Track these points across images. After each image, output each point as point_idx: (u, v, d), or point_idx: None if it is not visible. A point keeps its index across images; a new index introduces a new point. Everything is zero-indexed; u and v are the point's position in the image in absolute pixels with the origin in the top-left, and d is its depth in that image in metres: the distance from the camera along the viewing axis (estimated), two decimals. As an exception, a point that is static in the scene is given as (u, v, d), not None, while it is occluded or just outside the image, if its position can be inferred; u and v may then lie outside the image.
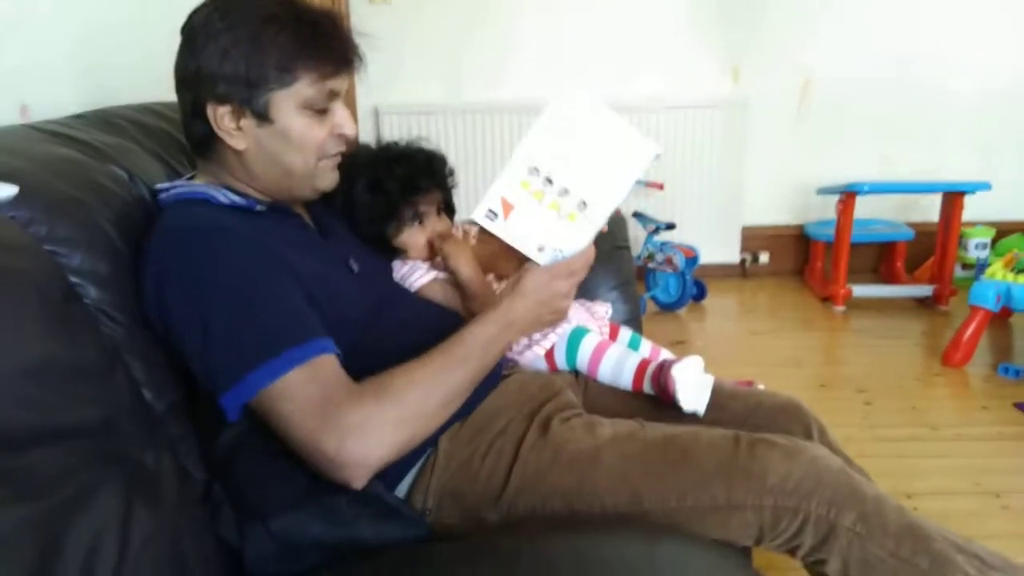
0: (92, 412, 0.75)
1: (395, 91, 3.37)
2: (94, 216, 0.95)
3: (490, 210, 1.02)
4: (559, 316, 1.13)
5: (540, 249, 1.06)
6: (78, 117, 1.22)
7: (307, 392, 0.89)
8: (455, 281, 1.28)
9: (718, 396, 1.21)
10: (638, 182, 1.02)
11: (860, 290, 3.19)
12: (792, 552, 1.02)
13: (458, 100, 3.45)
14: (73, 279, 0.89)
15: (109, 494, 0.71)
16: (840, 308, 3.18)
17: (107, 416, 0.76)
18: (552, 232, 1.04)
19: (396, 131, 3.36)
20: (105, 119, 1.23)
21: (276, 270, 0.97)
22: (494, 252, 1.26)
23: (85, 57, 1.43)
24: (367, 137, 3.36)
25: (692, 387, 1.15)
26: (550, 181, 0.99)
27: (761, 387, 1.34)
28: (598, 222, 1.05)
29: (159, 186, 1.09)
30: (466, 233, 1.36)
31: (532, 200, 1.01)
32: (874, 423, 2.23)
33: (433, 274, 1.31)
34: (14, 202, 0.86)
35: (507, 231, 1.05)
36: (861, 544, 0.98)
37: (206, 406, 1.00)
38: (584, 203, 1.02)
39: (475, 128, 3.41)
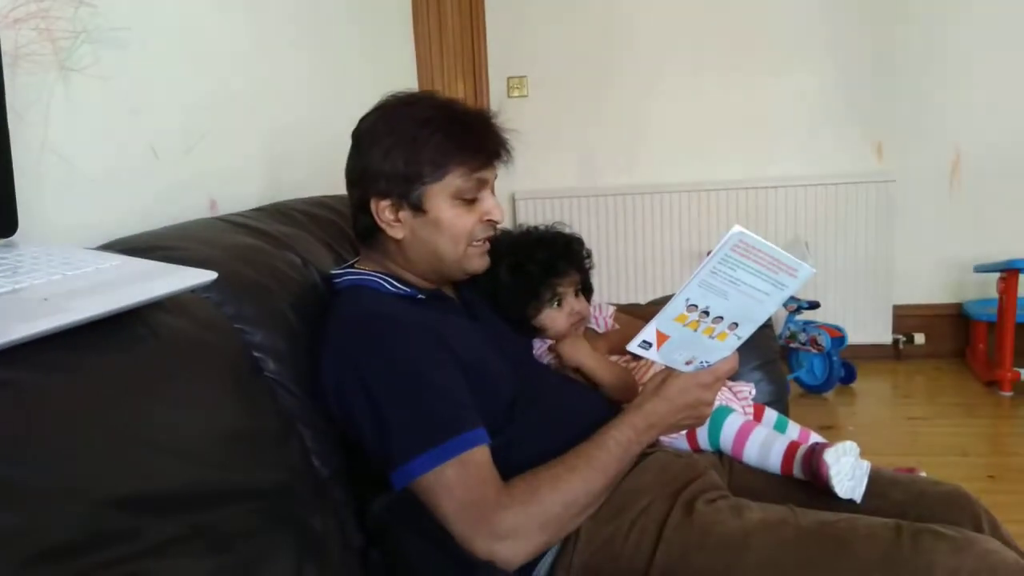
0: (271, 476, 0.82)
1: (531, 178, 3.50)
2: (274, 298, 1.07)
3: (644, 341, 1.07)
4: (699, 422, 1.16)
5: (688, 363, 1.10)
6: (258, 210, 1.37)
7: (460, 490, 0.98)
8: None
9: (876, 483, 1.15)
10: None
11: (1030, 374, 2.94)
12: (959, 652, 0.94)
13: (591, 184, 3.54)
14: (256, 354, 0.99)
15: (284, 553, 0.77)
16: (1007, 393, 2.93)
17: (284, 480, 0.84)
18: (701, 349, 1.08)
19: (532, 215, 3.48)
20: (281, 211, 1.37)
21: (442, 357, 1.06)
22: (632, 334, 1.28)
23: (265, 158, 1.61)
24: (504, 222, 3.49)
25: (848, 473, 1.10)
26: (707, 313, 1.03)
27: (923, 475, 1.25)
28: (747, 336, 1.07)
29: (334, 271, 1.20)
30: (582, 322, 1.38)
31: (687, 329, 1.05)
32: (1054, 519, 2.01)
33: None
34: (209, 285, 0.98)
35: (659, 356, 1.09)
36: (1037, 647, 0.89)
37: (362, 474, 1.08)
38: (736, 324, 1.04)
39: (608, 211, 3.47)
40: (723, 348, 1.08)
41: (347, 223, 1.42)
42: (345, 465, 1.06)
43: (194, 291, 0.95)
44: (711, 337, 1.06)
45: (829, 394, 3.10)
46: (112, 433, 0.68)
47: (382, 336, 1.05)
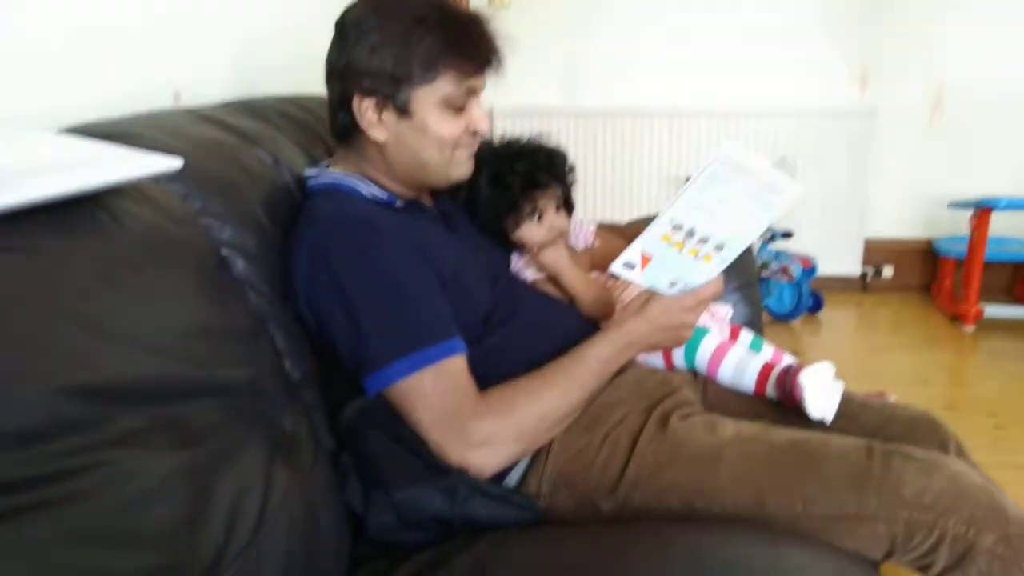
0: (241, 373, 0.79)
1: (510, 93, 3.40)
2: (244, 195, 1.01)
3: (627, 262, 1.04)
4: (678, 344, 1.15)
5: (672, 285, 1.07)
6: (227, 105, 1.29)
7: (437, 397, 0.97)
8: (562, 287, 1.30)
9: (848, 405, 1.16)
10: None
11: (992, 310, 2.99)
12: (923, 570, 0.96)
13: (572, 104, 3.45)
14: (224, 251, 0.94)
15: (254, 450, 0.75)
16: (970, 328, 2.99)
17: (253, 379, 0.81)
18: (685, 271, 1.05)
19: (511, 132, 3.40)
20: (251, 108, 1.30)
21: (419, 266, 1.03)
22: (614, 251, 1.26)
23: (234, 50, 1.52)
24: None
25: (821, 393, 1.11)
26: (692, 233, 1.00)
27: (893, 399, 1.27)
28: (732, 258, 1.05)
29: (307, 172, 1.15)
30: (562, 236, 1.35)
31: (672, 250, 1.02)
32: (1006, 449, 2.08)
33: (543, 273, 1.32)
34: (174, 176, 0.92)
35: (642, 278, 1.06)
36: (1003, 567, 0.91)
37: (334, 378, 1.05)
38: (722, 245, 1.01)
39: (589, 132, 3.41)
40: (707, 271, 1.06)
41: (322, 126, 1.36)
42: (317, 369, 1.03)
43: (158, 181, 0.90)
44: (696, 259, 1.03)
45: (796, 322, 3.14)
46: (71, 319, 0.64)
47: (358, 239, 1.01)
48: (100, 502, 0.58)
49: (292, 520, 0.76)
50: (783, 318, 3.14)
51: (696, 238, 1.01)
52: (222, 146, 1.08)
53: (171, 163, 0.80)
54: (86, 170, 0.71)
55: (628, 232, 1.37)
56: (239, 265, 0.96)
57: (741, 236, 1.02)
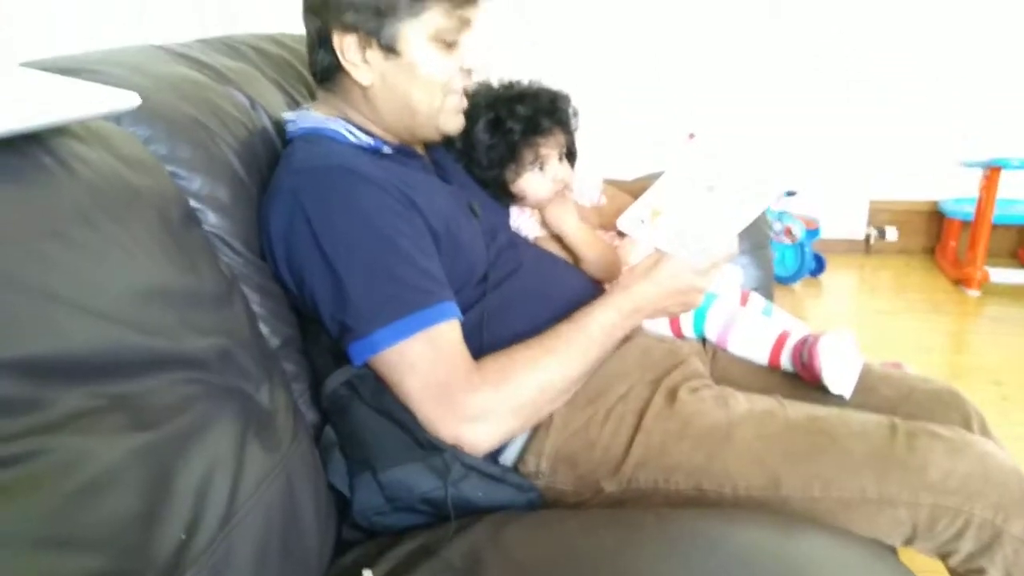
0: (209, 342, 0.70)
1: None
2: (215, 140, 0.92)
3: (637, 218, 0.98)
4: (688, 310, 1.07)
5: (683, 245, 0.99)
6: (202, 41, 1.18)
7: (427, 367, 0.89)
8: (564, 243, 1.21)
9: (866, 378, 1.09)
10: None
11: (998, 274, 2.91)
12: (945, 557, 0.90)
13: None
14: (193, 203, 0.85)
15: (224, 429, 0.66)
16: (974, 292, 2.92)
17: (224, 347, 0.72)
18: (699, 228, 0.97)
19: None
20: (228, 44, 1.19)
21: (409, 220, 0.94)
22: (621, 208, 1.17)
23: None
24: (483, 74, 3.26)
25: (841, 365, 1.03)
26: (710, 188, 0.94)
27: (910, 370, 1.20)
28: (752, 217, 0.97)
29: (286, 116, 1.05)
30: (566, 190, 1.26)
31: (685, 203, 0.95)
32: (1013, 420, 2.03)
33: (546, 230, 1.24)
34: (135, 118, 0.82)
35: (652, 235, 0.99)
36: (1031, 555, 0.85)
37: (316, 345, 0.97)
38: (741, 201, 0.94)
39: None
40: (724, 229, 0.97)
41: (304, 64, 1.25)
42: (298, 335, 0.95)
43: (118, 122, 0.80)
44: (711, 215, 0.95)
45: (797, 285, 3.07)
46: (6, 282, 0.55)
47: (340, 189, 0.92)
48: (38, 497, 0.50)
49: (268, 506, 0.68)
50: (785, 281, 3.06)
51: (714, 193, 0.93)
52: (193, 85, 0.97)
53: (127, 99, 0.70)
54: (25, 106, 0.61)
55: (635, 189, 1.28)
56: (210, 219, 0.86)
57: (762, 192, 0.93)
